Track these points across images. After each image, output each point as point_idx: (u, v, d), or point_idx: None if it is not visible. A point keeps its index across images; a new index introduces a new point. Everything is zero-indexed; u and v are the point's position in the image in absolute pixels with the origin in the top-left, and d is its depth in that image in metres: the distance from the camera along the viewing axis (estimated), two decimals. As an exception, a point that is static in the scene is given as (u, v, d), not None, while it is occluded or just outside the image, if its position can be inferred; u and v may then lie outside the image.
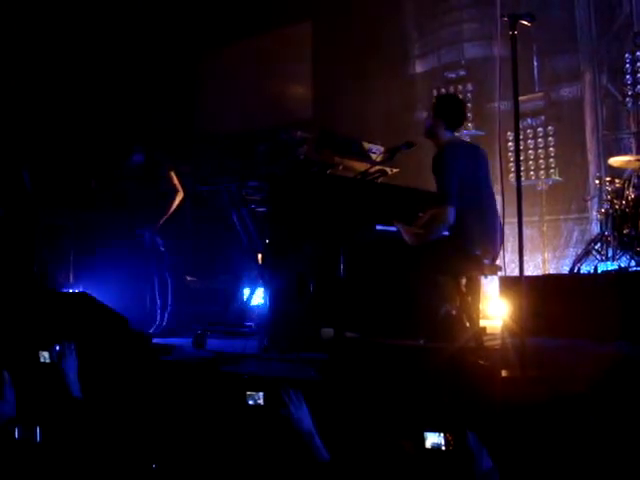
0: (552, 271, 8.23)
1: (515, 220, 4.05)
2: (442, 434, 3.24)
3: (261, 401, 4.02)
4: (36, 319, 5.32)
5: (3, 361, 4.69)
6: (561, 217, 8.60)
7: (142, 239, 6.82)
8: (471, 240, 4.78)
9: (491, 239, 4.91)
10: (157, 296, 6.81)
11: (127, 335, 5.32)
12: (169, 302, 6.68)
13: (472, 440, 3.08)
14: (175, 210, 6.72)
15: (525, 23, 3.93)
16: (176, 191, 6.72)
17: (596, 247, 7.14)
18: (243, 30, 10.69)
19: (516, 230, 3.95)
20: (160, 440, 4.24)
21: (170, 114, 10.18)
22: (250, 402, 4.05)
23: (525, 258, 3.95)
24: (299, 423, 3.42)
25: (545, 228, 8.53)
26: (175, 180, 6.73)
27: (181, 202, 6.75)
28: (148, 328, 6.60)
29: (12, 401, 4.02)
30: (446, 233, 4.89)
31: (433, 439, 3.26)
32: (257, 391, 4.03)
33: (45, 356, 4.78)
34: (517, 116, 3.94)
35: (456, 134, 5.21)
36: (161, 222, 6.63)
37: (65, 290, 7.21)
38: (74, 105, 9.35)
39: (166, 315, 6.67)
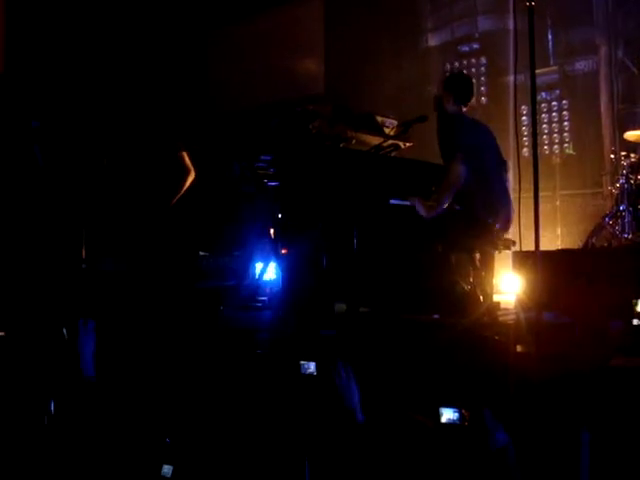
0: (565, 246, 8.19)
1: (529, 195, 4.01)
2: (457, 410, 3.24)
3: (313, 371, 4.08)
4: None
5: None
6: (575, 192, 8.54)
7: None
8: (482, 208, 4.80)
9: (502, 206, 4.93)
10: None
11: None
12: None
13: (487, 416, 3.08)
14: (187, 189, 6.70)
15: (542, -6, 3.88)
16: (188, 171, 6.68)
17: (610, 222, 7.09)
18: (256, 6, 10.62)
19: (530, 205, 3.92)
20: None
21: (182, 91, 10.14)
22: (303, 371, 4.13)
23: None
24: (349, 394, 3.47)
25: (559, 203, 8.48)
26: (187, 160, 6.69)
27: (193, 182, 6.72)
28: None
29: None
30: (457, 207, 4.90)
31: (448, 415, 3.26)
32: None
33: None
34: (534, 90, 3.90)
35: (464, 109, 5.22)
36: (174, 201, 6.62)
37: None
38: (86, 83, 9.33)
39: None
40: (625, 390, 3.42)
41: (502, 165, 5.20)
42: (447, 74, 9.49)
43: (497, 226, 4.94)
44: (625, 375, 3.49)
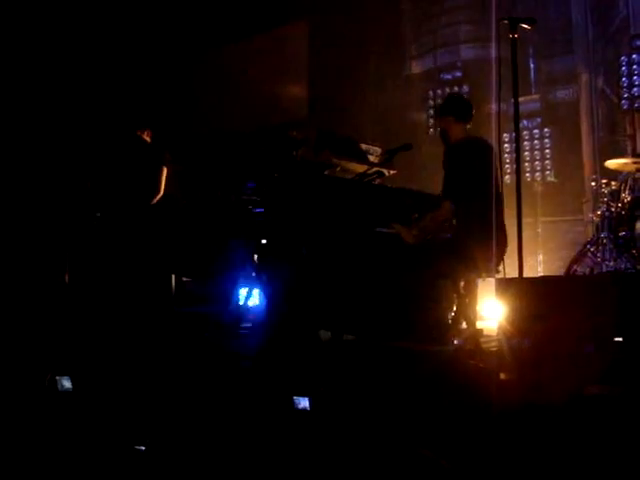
0: (547, 273, 8.24)
1: (511, 222, 4.05)
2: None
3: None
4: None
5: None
6: (556, 219, 8.61)
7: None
8: (471, 244, 4.73)
9: (491, 245, 4.86)
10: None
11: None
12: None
13: None
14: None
15: (525, 26, 3.94)
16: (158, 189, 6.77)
17: (592, 249, 7.13)
18: (240, 30, 10.67)
19: (513, 232, 3.96)
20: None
21: (166, 114, 10.15)
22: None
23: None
24: None
25: (540, 230, 8.54)
26: (162, 177, 6.76)
27: (167, 174, 6.80)
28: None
29: None
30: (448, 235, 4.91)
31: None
32: None
33: None
34: (517, 118, 3.96)
35: (468, 127, 5.09)
36: (155, 201, 6.67)
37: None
38: (70, 104, 9.32)
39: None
40: (599, 418, 3.45)
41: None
42: (430, 101, 9.61)
43: (485, 266, 4.85)
44: (599, 403, 3.52)
